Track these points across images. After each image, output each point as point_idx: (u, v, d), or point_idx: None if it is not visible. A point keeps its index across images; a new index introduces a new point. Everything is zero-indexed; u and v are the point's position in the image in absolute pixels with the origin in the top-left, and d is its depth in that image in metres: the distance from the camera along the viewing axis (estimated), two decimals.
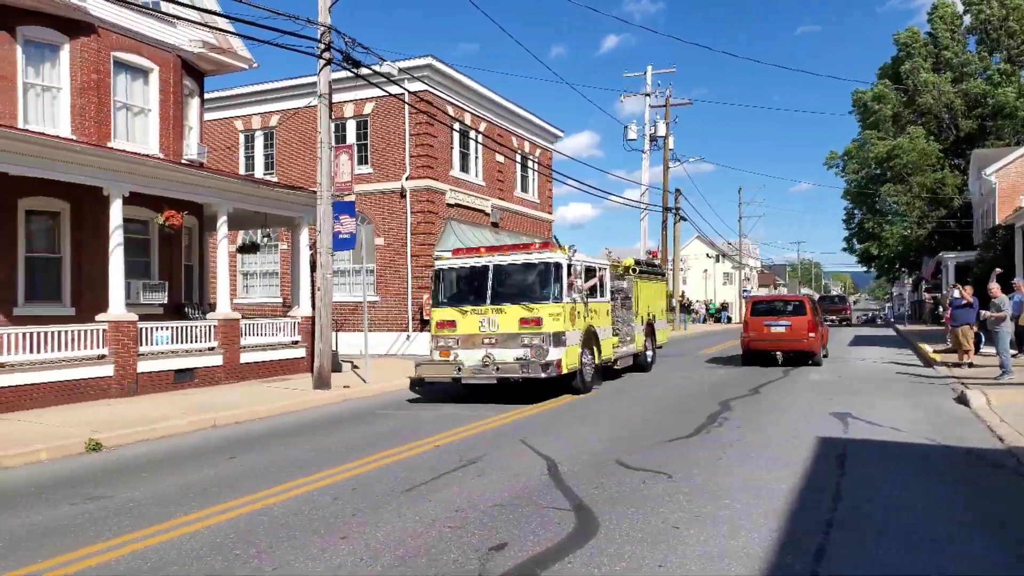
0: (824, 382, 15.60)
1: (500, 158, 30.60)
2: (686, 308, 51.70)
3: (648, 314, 18.62)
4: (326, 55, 15.08)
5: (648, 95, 40.14)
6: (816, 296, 51.78)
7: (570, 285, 13.11)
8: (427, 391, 14.10)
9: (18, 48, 14.85)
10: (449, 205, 26.87)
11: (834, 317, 46.83)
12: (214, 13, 17.38)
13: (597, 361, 14.38)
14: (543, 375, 12.27)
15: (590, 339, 14.04)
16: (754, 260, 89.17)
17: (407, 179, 26.06)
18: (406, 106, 24.86)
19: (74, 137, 15.10)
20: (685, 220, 44.24)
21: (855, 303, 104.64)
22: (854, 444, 8.89)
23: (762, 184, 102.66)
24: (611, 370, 16.19)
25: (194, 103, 19.22)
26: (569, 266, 13.29)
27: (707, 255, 76.56)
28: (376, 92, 22.70)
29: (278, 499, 6.72)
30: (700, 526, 5.68)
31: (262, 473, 7.85)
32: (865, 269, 66.98)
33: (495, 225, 29.44)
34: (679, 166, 43.84)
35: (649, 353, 18.44)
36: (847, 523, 5.74)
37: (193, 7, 16.32)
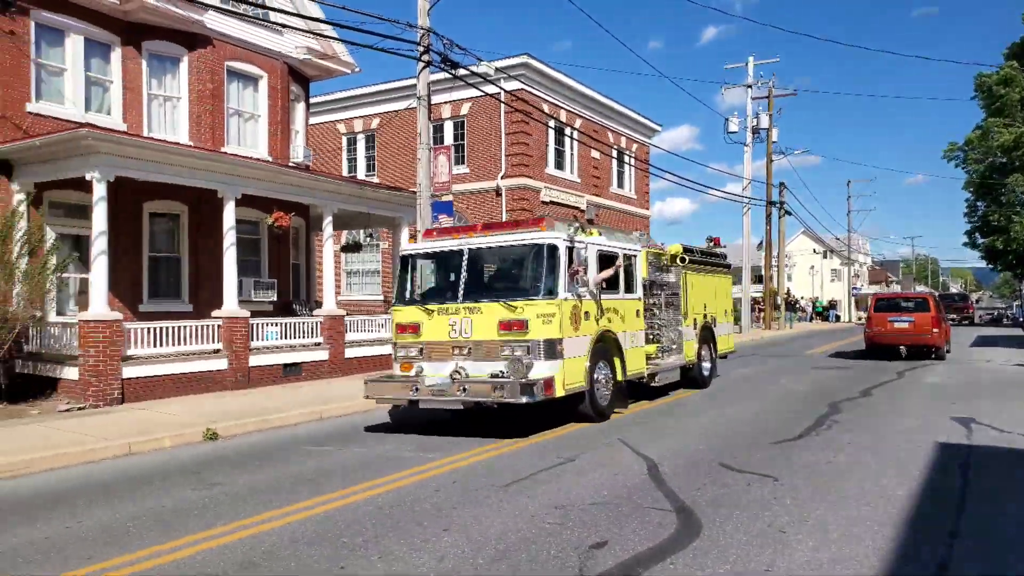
0: (943, 384, 14.69)
1: (596, 154, 30.40)
2: (791, 306, 49.85)
3: (704, 315, 14.74)
4: (425, 57, 15.39)
5: (750, 87, 38.92)
6: (936, 294, 48.89)
7: (573, 275, 9.78)
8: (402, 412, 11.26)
9: (143, 62, 15.88)
10: (544, 203, 26.91)
11: (955, 316, 44.04)
12: (319, 20, 18.04)
13: (620, 377, 11.04)
14: (523, 399, 9.02)
15: (607, 348, 10.76)
16: (864, 256, 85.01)
17: (502, 178, 26.27)
18: (502, 105, 25.06)
19: (192, 143, 16.03)
20: (790, 215, 42.63)
21: (977, 301, 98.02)
22: (979, 451, 8.32)
23: (873, 176, 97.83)
24: (646, 388, 12.52)
25: (300, 108, 20.02)
26: (570, 250, 9.88)
27: (814, 251, 73.55)
28: (473, 92, 22.99)
29: (383, 490, 6.90)
30: (809, 531, 5.45)
31: (367, 465, 8.08)
32: (991, 266, 62.55)
33: (590, 222, 29.26)
34: (783, 159, 42.28)
35: (706, 365, 14.57)
36: (972, 535, 5.38)
37: (299, 15, 17.00)
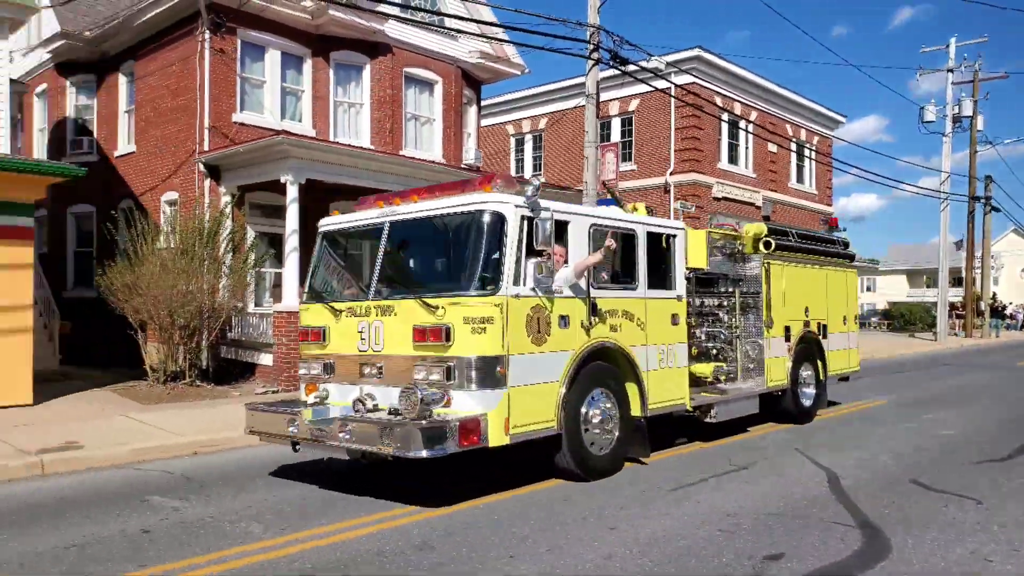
0: None
1: (773, 148, 29.00)
2: (998, 312, 44.88)
3: (805, 322, 10.84)
4: (594, 55, 15.33)
5: (951, 71, 35.42)
6: None
7: (548, 258, 6.55)
8: None
9: (331, 71, 17.09)
10: (715, 199, 26.03)
11: None
12: (491, 24, 18.55)
13: (638, 412, 7.69)
14: (421, 453, 5.84)
15: (609, 370, 7.47)
16: None
17: (671, 174, 25.72)
18: (672, 100, 24.52)
19: (373, 147, 17.01)
20: (997, 211, 38.41)
21: None
22: None
23: None
24: (700, 424, 9.04)
25: (472, 111, 20.67)
26: (529, 221, 6.60)
27: None
28: (641, 88, 22.65)
29: (549, 484, 6.95)
30: (1021, 563, 4.83)
31: (534, 462, 8.12)
32: None
33: (766, 219, 27.93)
34: (989, 149, 38.15)
35: (807, 390, 10.77)
36: None
37: (473, 20, 17.56)
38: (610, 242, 7.27)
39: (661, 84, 20.58)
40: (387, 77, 17.71)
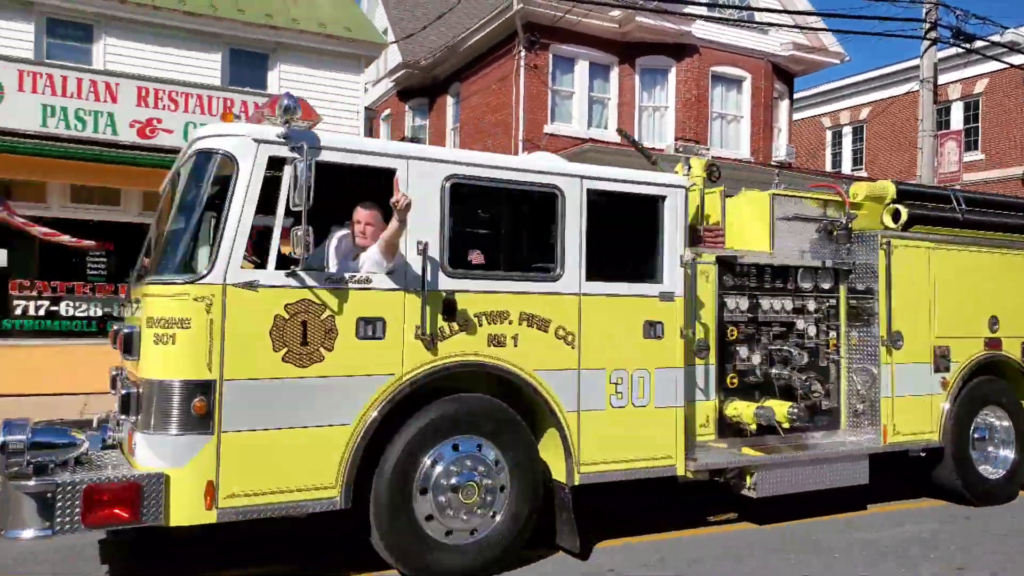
0: None
1: None
2: None
3: (987, 341, 6.90)
4: (931, 35, 13.60)
5: None
6: None
7: (341, 238, 4.91)
8: None
9: (636, 77, 17.30)
10: None
11: None
12: (806, 14, 17.36)
13: (561, 476, 4.96)
14: (24, 533, 3.79)
15: (487, 403, 4.81)
16: None
17: None
18: None
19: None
20: None
21: None
22: None
23: None
24: (741, 497, 5.78)
25: (783, 105, 19.52)
26: (294, 167, 4.17)
27: None
28: (990, 67, 19.61)
29: (861, 514, 6.28)
30: None
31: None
32: None
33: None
34: None
35: (995, 454, 6.92)
36: None
37: (786, 11, 16.57)
38: (398, 197, 4.40)
39: (1017, 59, 17.60)
40: (693, 78, 17.42)
